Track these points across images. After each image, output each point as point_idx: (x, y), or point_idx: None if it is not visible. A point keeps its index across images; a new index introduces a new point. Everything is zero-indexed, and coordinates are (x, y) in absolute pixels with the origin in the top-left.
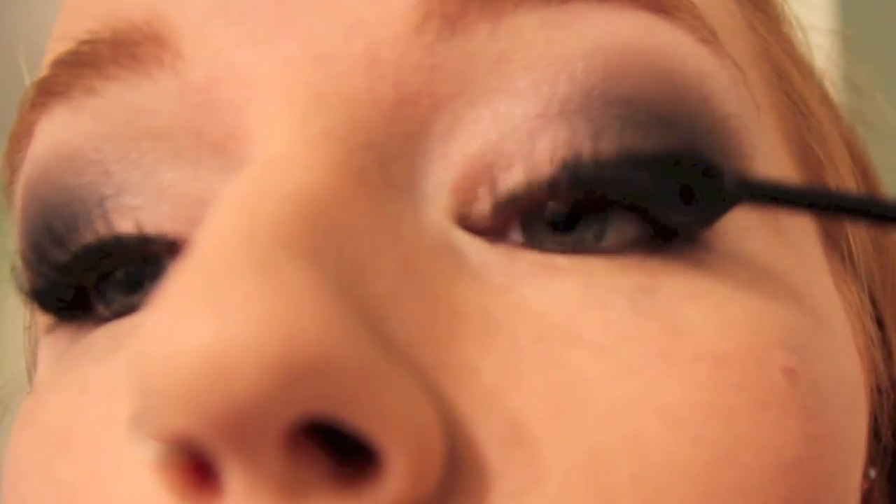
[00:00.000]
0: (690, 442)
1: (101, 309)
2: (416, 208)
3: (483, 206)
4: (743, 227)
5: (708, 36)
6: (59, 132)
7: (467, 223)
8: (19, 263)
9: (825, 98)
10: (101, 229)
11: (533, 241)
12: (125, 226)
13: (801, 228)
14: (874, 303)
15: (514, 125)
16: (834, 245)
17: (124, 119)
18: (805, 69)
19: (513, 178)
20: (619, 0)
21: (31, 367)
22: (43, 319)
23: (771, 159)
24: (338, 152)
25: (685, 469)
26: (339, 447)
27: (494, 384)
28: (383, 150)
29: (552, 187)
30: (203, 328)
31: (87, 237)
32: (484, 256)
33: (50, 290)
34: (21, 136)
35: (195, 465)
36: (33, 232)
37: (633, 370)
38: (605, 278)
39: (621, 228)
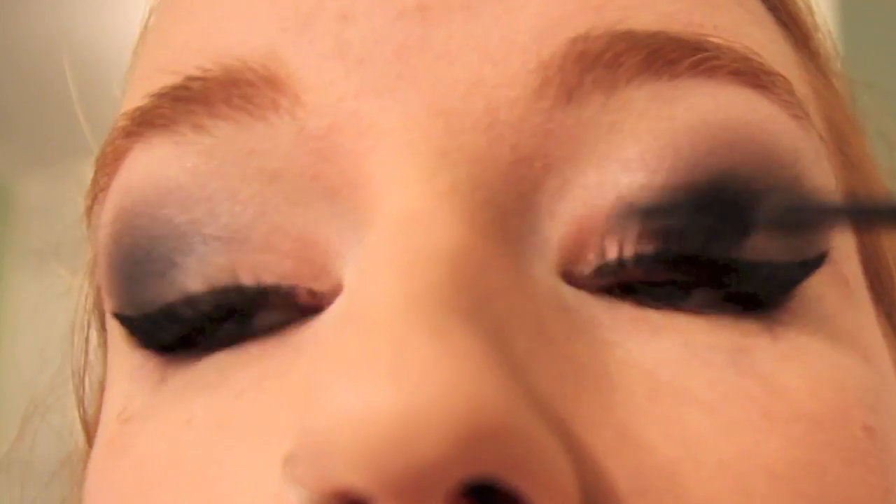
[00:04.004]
0: (792, 496)
1: (199, 339)
2: (528, 263)
3: (586, 265)
4: (817, 290)
5: (799, 112)
6: (159, 165)
7: (570, 278)
8: (109, 292)
9: (865, 144)
10: (212, 270)
11: (626, 292)
12: (238, 266)
13: (859, 284)
14: None
15: (620, 193)
16: (879, 297)
17: (234, 159)
18: (853, 121)
19: (616, 246)
20: (723, 76)
21: (80, 371)
22: (125, 345)
23: None
24: (465, 209)
25: None
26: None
27: (618, 441)
28: (501, 207)
29: (654, 258)
30: (390, 394)
31: (196, 277)
32: (590, 310)
33: (151, 327)
34: (109, 161)
35: None
36: (129, 262)
37: (739, 428)
38: (702, 336)
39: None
